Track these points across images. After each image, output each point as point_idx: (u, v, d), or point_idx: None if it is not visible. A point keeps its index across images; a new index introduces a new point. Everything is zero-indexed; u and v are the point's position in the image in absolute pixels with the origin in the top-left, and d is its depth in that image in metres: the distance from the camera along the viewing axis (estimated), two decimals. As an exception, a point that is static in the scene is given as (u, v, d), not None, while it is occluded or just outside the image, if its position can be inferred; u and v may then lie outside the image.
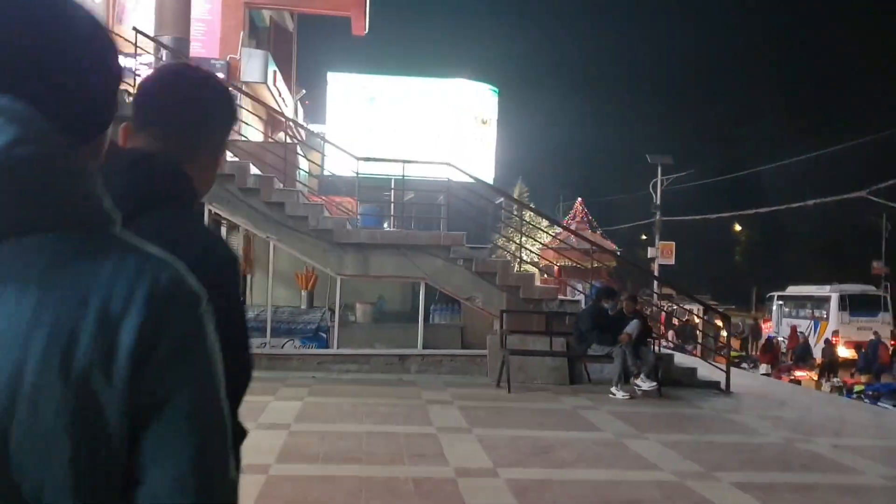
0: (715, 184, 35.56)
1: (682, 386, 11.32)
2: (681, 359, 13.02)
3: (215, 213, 11.05)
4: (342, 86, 33.98)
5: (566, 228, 23.08)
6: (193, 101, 1.61)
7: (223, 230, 11.43)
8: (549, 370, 10.99)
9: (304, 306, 11.82)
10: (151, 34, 14.94)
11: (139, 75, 17.96)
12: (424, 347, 11.39)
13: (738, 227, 47.24)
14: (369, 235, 11.05)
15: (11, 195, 0.90)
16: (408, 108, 35.06)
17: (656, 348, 11.86)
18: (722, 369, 11.96)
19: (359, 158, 12.14)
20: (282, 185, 11.56)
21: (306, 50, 34.69)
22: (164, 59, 14.76)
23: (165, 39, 15.02)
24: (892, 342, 25.38)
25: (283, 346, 11.08)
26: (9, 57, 0.94)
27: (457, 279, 11.23)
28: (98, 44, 1.02)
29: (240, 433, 1.45)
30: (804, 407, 10.94)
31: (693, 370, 11.80)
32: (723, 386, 11.47)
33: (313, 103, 35.66)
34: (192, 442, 0.96)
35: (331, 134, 32.06)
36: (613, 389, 10.29)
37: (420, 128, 34.72)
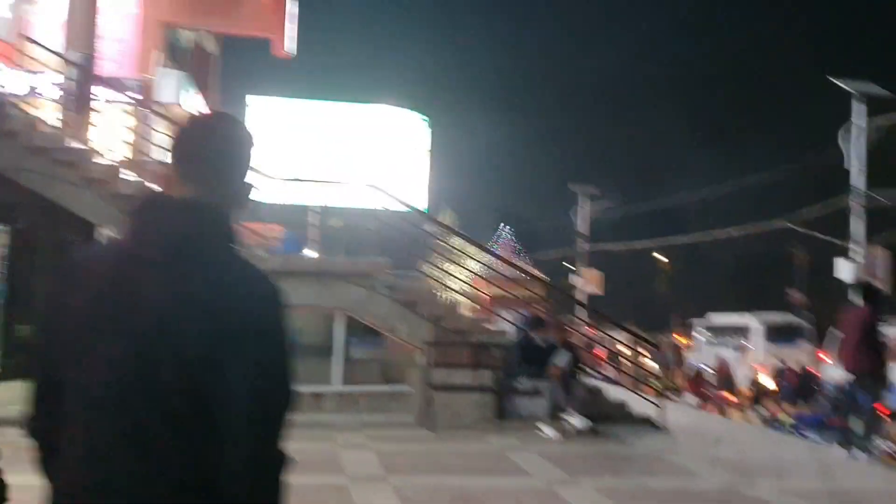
0: (638, 212, 35.52)
1: (612, 421, 10.62)
2: (613, 392, 12.37)
3: (109, 237, 10.01)
4: (262, 109, 32.86)
5: (495, 255, 22.35)
6: (241, 156, 1.78)
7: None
8: (476, 406, 10.15)
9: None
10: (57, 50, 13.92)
11: (39, 94, 16.79)
12: (343, 384, 10.49)
13: (658, 256, 47.43)
14: (283, 262, 10.11)
15: None
16: (332, 133, 33.94)
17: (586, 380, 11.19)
18: (653, 402, 11.35)
19: (285, 180, 11.25)
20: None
21: (231, 75, 33.58)
22: (72, 77, 13.77)
23: (74, 56, 13.95)
24: (809, 369, 25.31)
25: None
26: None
27: (379, 309, 10.36)
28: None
29: (282, 460, 1.64)
30: (741, 445, 10.34)
31: (623, 404, 11.14)
32: (657, 422, 10.83)
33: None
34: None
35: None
36: (542, 426, 9.55)
37: (345, 154, 33.68)
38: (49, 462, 1.66)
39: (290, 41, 22.28)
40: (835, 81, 18.83)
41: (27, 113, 11.20)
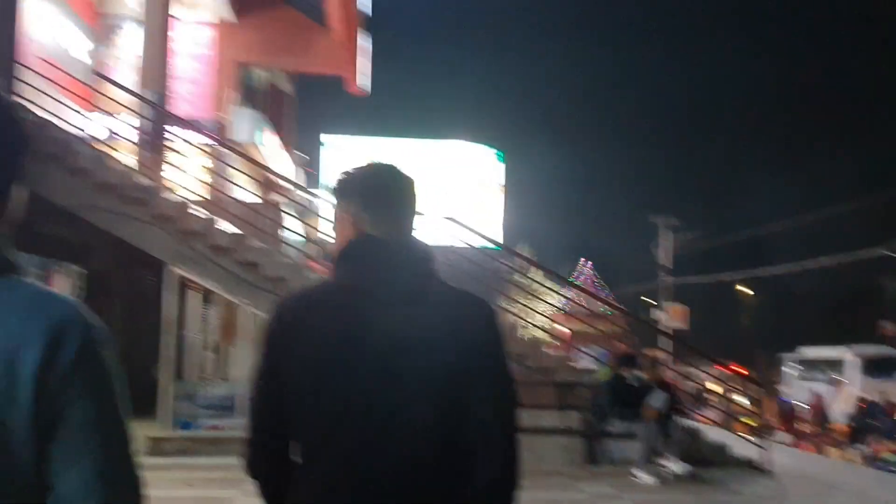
0: (722, 244, 34.13)
1: (712, 465, 9.71)
2: (712, 434, 11.42)
3: (180, 277, 9.60)
4: (337, 148, 32.95)
5: (580, 288, 21.47)
6: (415, 199, 1.97)
7: (198, 297, 9.96)
8: (563, 450, 9.37)
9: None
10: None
11: (117, 136, 16.82)
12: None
13: (743, 288, 45.64)
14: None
15: None
16: (408, 170, 33.65)
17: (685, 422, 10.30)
18: (755, 443, 10.41)
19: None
20: (261, 245, 10.11)
21: (306, 114, 33.75)
22: (148, 116, 13.71)
23: (147, 95, 13.86)
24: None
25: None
26: None
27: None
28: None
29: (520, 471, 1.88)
30: (855, 490, 9.31)
31: (724, 446, 10.20)
32: (759, 465, 9.88)
33: (316, 169, 34.64)
34: (94, 448, 1.11)
35: (327, 197, 30.81)
36: (638, 472, 8.71)
37: (422, 190, 33.30)
38: (279, 498, 1.80)
39: (363, 78, 22.04)
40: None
41: (98, 150, 10.94)
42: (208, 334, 10.87)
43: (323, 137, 37.23)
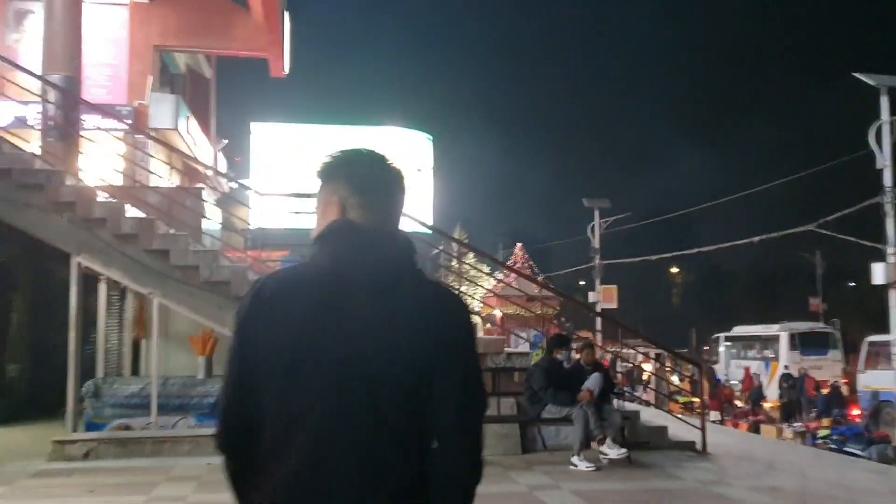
0: (649, 226, 34.14)
1: (650, 448, 9.40)
2: (648, 416, 11.11)
3: (86, 267, 8.85)
4: (267, 136, 32.12)
5: (513, 270, 21.06)
6: (405, 189, 1.95)
7: (102, 289, 9.20)
8: (498, 438, 8.92)
9: (201, 376, 9.54)
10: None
11: (25, 124, 15.80)
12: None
13: (674, 270, 46.01)
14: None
15: None
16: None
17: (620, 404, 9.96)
18: (693, 424, 10.15)
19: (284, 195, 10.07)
20: (171, 231, 9.41)
21: (227, 99, 32.69)
22: (52, 100, 12.82)
23: (54, 79, 12.94)
24: (844, 380, 23.98)
25: (173, 426, 8.82)
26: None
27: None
28: None
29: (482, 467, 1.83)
30: (796, 469, 9.06)
31: (663, 429, 9.90)
32: (698, 447, 9.59)
33: (236, 154, 33.66)
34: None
35: (256, 186, 30.18)
36: (575, 459, 8.30)
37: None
38: (246, 477, 1.78)
39: (286, 61, 21.26)
40: (860, 77, 17.63)
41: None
42: (122, 328, 10.17)
43: (252, 126, 36.37)
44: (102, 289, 9.17)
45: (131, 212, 9.54)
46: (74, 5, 14.14)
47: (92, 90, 19.98)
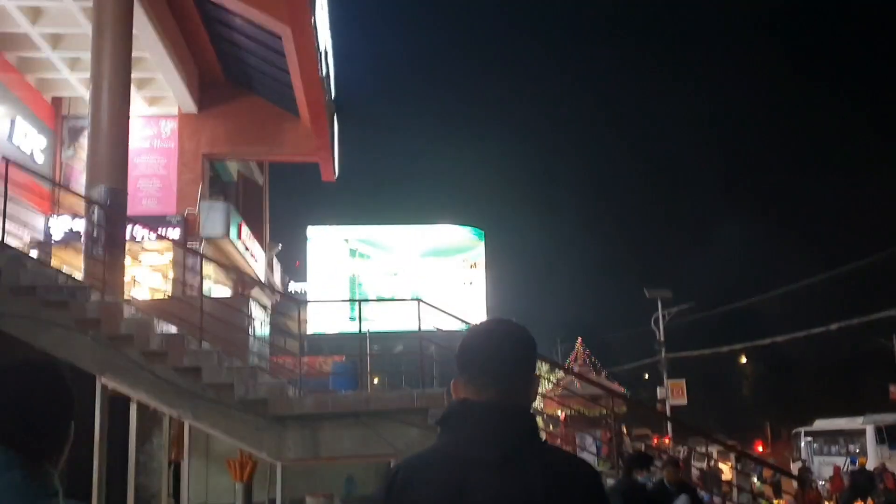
0: (714, 316, 32.59)
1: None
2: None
3: (112, 389, 8.05)
4: (322, 239, 31.83)
5: (570, 372, 19.87)
6: (533, 359, 1.98)
7: (133, 410, 8.38)
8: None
9: (238, 503, 8.58)
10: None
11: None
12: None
13: (743, 360, 43.90)
14: (317, 403, 8.00)
15: None
16: (393, 257, 32.99)
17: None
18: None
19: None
20: (205, 345, 8.60)
21: (280, 203, 32.55)
22: (96, 215, 12.47)
23: (99, 191, 12.57)
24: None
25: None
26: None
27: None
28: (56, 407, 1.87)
29: None
30: None
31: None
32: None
33: (293, 258, 33.34)
34: None
35: (314, 290, 29.59)
36: None
37: (408, 277, 32.42)
38: None
39: (336, 165, 20.88)
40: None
41: (16, 251, 9.52)
42: (155, 450, 9.30)
43: (309, 230, 36.20)
44: (133, 410, 8.36)
45: (163, 326, 8.80)
46: (120, 118, 13.90)
47: (143, 201, 19.77)
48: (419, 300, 9.26)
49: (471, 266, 30.93)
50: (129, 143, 20.09)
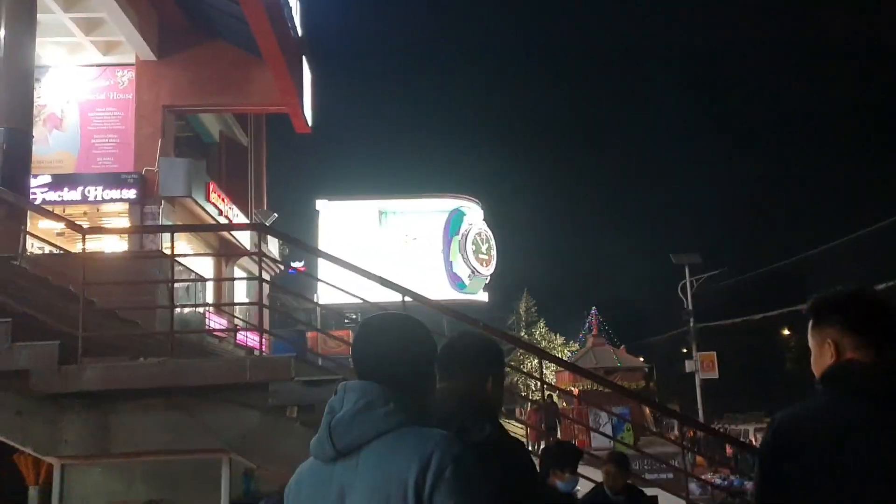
0: (753, 279, 29.19)
1: None
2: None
3: None
4: (335, 211, 30.14)
5: (567, 366, 16.89)
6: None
7: None
8: None
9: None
10: None
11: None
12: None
13: (786, 332, 40.26)
14: (103, 376, 5.33)
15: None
16: (394, 230, 30.96)
17: None
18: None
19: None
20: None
21: (279, 173, 30.11)
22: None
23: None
24: None
25: None
26: (379, 365, 1.80)
27: (288, 446, 5.44)
28: (424, 353, 1.89)
29: None
30: None
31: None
32: None
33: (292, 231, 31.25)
34: None
35: (323, 264, 27.29)
36: None
37: (410, 247, 30.17)
38: None
39: (307, 114, 18.20)
40: None
41: None
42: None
43: (318, 203, 33.76)
44: None
45: None
46: (23, 48, 11.60)
47: (98, 159, 17.39)
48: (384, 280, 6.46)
49: (476, 238, 28.73)
50: (81, 95, 17.77)
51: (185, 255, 12.62)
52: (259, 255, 5.90)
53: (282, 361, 5.46)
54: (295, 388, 5.42)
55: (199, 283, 14.85)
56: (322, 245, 36.04)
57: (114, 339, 6.38)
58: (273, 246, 25.57)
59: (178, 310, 11.39)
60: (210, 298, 18.80)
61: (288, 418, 5.47)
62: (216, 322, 16.13)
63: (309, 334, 14.67)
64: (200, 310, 15.23)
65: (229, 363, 5.44)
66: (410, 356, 1.82)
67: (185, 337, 8.82)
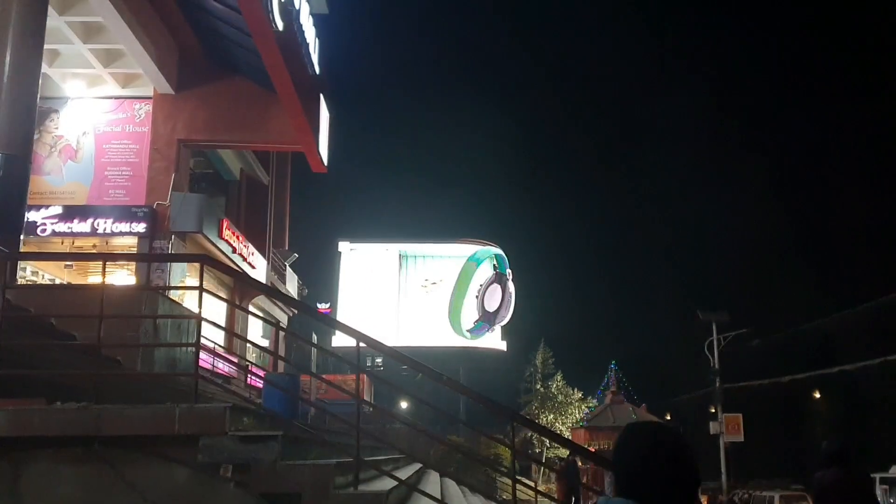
0: (782, 339, 27.94)
1: None
2: None
3: None
4: (354, 253, 29.84)
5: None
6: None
7: None
8: None
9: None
10: None
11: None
12: None
13: (817, 394, 38.63)
14: (13, 422, 4.67)
15: None
16: (414, 274, 30.52)
17: None
18: None
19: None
20: None
21: (301, 214, 29.70)
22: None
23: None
24: None
25: None
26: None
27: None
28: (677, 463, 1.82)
29: None
30: None
31: None
32: None
33: (313, 272, 30.84)
34: None
35: (343, 306, 26.88)
36: None
37: (426, 291, 29.66)
38: None
39: (323, 153, 17.75)
40: None
41: None
42: None
43: (341, 245, 33.45)
44: None
45: None
46: (28, 72, 11.27)
47: (111, 192, 17.06)
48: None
49: (498, 286, 28.15)
50: (98, 127, 17.49)
51: (174, 287, 12.09)
52: (200, 290, 5.24)
53: (215, 412, 4.77)
54: (228, 443, 4.72)
55: (190, 320, 14.29)
56: (343, 286, 35.88)
57: (42, 374, 5.70)
58: (291, 286, 25.09)
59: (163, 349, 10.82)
60: (221, 336, 18.21)
61: (221, 478, 4.77)
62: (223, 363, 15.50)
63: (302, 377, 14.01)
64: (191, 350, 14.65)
65: (156, 411, 4.76)
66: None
67: (177, 380, 8.21)
